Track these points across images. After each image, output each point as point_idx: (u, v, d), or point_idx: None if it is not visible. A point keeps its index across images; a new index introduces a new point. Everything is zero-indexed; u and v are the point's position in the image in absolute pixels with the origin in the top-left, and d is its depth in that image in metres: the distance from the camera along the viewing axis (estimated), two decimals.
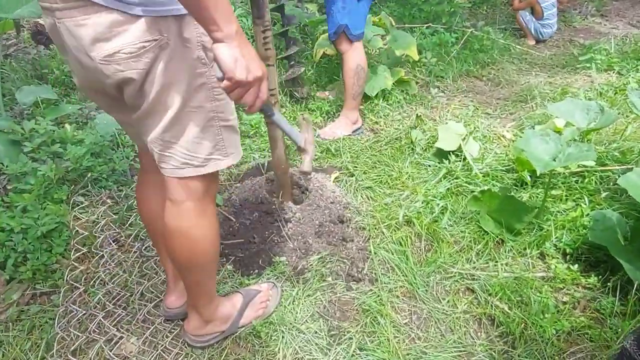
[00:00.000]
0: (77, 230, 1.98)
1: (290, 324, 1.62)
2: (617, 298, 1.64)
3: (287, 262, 1.85)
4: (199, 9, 0.92)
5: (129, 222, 2.05)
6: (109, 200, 2.16)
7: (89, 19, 0.94)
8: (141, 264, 1.86)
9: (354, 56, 2.63)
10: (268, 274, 1.80)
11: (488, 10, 4.85)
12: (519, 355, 1.49)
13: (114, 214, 2.09)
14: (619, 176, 2.11)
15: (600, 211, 1.87)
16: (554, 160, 1.79)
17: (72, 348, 1.55)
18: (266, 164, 2.45)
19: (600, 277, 1.73)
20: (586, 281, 1.74)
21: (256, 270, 1.83)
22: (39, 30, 4.05)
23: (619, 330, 1.56)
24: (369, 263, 1.87)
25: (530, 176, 2.19)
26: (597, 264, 1.82)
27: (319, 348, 1.55)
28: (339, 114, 2.89)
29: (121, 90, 1.08)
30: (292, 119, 2.91)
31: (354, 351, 1.53)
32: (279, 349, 1.54)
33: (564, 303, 1.68)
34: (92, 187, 2.21)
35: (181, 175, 1.19)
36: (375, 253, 1.90)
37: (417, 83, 3.48)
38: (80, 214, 2.08)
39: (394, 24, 3.55)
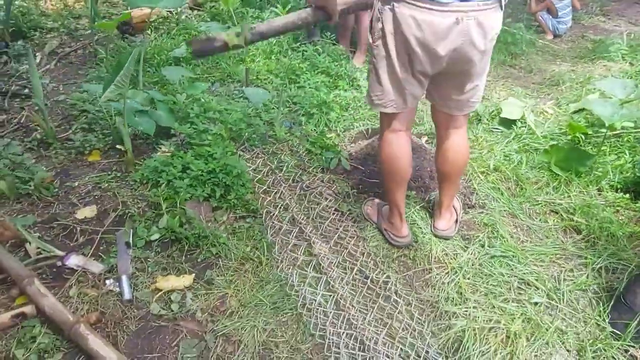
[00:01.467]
0: (250, 175, 2.59)
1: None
2: None
3: (416, 195, 2.50)
4: None
5: (283, 170, 2.67)
6: (262, 155, 2.77)
7: (495, 15, 1.63)
8: (308, 195, 2.47)
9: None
10: (407, 203, 2.43)
11: (512, 9, 5.54)
12: (601, 245, 2.17)
13: (270, 164, 2.70)
14: None
15: None
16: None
17: (286, 248, 2.16)
18: (370, 130, 3.08)
19: None
20: (635, 205, 2.43)
21: None
22: (125, 20, 4.56)
23: None
24: (475, 196, 2.53)
25: (582, 137, 2.88)
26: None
27: (459, 247, 2.20)
28: None
29: (465, 64, 1.73)
30: None
31: (486, 248, 2.18)
32: (431, 248, 2.19)
33: (621, 219, 2.36)
34: (246, 144, 2.81)
35: (472, 110, 1.97)
36: (478, 189, 2.56)
37: None
38: (247, 163, 2.68)
39: None
